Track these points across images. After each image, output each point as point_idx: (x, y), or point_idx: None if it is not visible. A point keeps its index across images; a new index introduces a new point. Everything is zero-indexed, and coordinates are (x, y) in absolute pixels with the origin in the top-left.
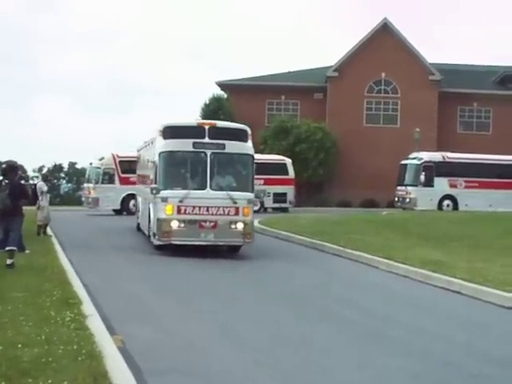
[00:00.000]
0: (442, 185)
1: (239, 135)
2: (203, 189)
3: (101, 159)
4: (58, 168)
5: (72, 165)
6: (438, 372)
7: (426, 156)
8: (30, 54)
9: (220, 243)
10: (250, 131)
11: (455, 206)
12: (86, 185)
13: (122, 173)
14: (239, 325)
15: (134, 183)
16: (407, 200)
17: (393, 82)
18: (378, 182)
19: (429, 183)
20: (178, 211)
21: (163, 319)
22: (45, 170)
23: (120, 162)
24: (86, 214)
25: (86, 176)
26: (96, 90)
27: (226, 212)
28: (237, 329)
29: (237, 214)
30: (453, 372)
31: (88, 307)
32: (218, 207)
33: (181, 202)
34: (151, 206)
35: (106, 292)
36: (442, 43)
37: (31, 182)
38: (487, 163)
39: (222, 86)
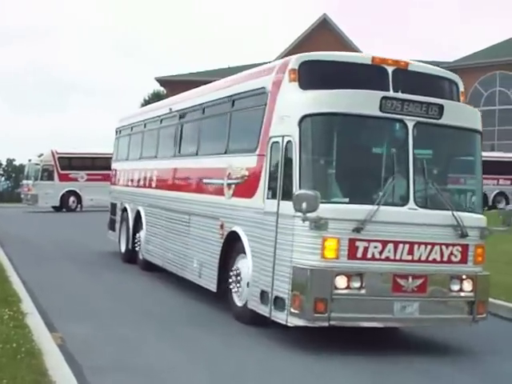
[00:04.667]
0: None
1: (450, 90)
2: (403, 203)
3: (40, 156)
4: None
5: (10, 161)
6: None
7: None
8: None
9: (429, 323)
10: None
11: None
12: (25, 182)
13: (62, 169)
14: None
15: (73, 180)
16: None
17: None
18: None
19: None
20: (351, 253)
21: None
22: None
23: (59, 158)
24: (23, 211)
25: (25, 173)
26: (30, 87)
27: (447, 256)
28: None
29: (464, 259)
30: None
31: (27, 305)
32: (432, 245)
33: (357, 231)
34: (250, 233)
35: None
36: (381, 38)
37: None
38: None
39: (162, 81)
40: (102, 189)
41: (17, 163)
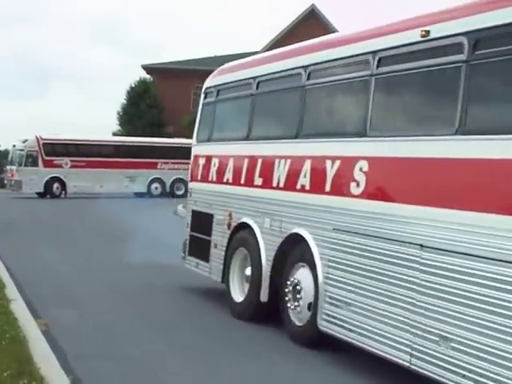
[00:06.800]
0: None
1: None
2: None
3: (24, 141)
4: None
5: None
6: None
7: None
8: None
9: None
10: None
11: None
12: (8, 167)
13: (46, 155)
14: None
15: (57, 166)
16: None
17: None
18: None
19: None
20: None
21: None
22: None
23: (44, 144)
24: (7, 196)
25: (9, 158)
26: (13, 72)
27: None
28: None
29: None
30: None
31: (11, 291)
32: None
33: None
34: None
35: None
36: None
37: None
38: None
39: (148, 69)
40: (86, 175)
41: (1, 148)
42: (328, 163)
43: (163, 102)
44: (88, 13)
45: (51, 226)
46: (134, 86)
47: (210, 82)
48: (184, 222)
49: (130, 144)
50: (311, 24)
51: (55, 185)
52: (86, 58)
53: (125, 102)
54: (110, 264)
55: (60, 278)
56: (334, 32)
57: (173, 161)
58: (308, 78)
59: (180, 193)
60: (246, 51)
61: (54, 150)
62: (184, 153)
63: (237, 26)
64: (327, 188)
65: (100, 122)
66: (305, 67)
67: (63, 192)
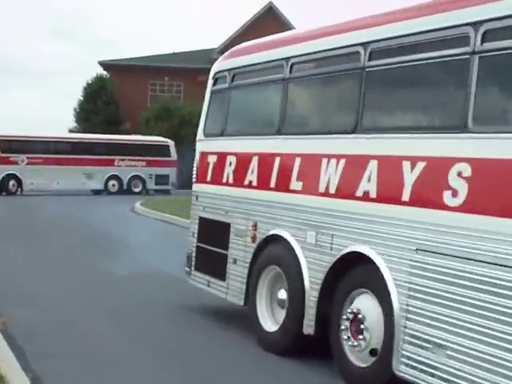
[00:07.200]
0: None
1: None
2: None
3: None
4: None
5: None
6: None
7: None
8: None
9: None
10: None
11: None
12: None
13: (2, 152)
14: None
15: (13, 163)
16: None
17: None
18: None
19: None
20: None
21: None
22: None
23: (0, 140)
24: None
25: None
26: None
27: None
28: None
29: None
30: None
31: None
32: None
33: None
34: None
35: None
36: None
37: None
38: None
39: (105, 65)
40: (42, 172)
41: None
42: (406, 165)
43: (120, 99)
44: (45, 7)
45: (8, 224)
46: (90, 82)
47: (220, 65)
48: (146, 221)
49: (87, 141)
50: (269, 21)
51: (11, 182)
52: (42, 53)
53: (81, 98)
54: (70, 262)
55: (19, 277)
56: (290, 28)
57: (130, 158)
58: (370, 59)
59: (137, 190)
60: (204, 48)
61: (10, 146)
62: (141, 150)
63: (194, 23)
64: (405, 197)
65: (56, 119)
66: (365, 44)
67: (19, 189)
